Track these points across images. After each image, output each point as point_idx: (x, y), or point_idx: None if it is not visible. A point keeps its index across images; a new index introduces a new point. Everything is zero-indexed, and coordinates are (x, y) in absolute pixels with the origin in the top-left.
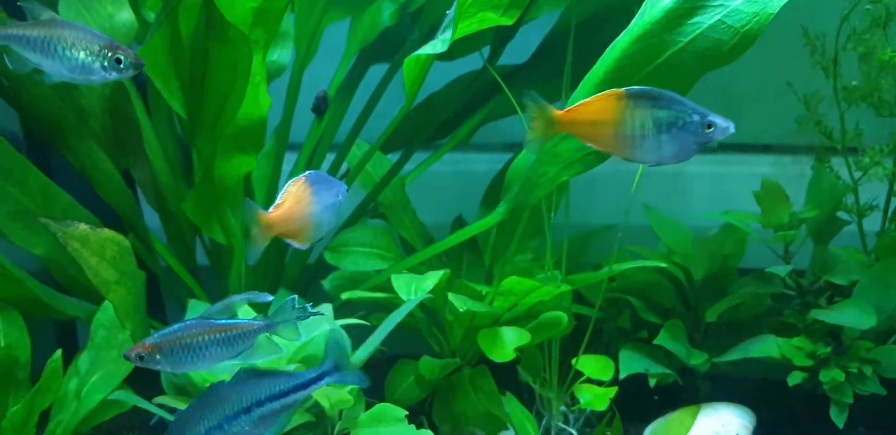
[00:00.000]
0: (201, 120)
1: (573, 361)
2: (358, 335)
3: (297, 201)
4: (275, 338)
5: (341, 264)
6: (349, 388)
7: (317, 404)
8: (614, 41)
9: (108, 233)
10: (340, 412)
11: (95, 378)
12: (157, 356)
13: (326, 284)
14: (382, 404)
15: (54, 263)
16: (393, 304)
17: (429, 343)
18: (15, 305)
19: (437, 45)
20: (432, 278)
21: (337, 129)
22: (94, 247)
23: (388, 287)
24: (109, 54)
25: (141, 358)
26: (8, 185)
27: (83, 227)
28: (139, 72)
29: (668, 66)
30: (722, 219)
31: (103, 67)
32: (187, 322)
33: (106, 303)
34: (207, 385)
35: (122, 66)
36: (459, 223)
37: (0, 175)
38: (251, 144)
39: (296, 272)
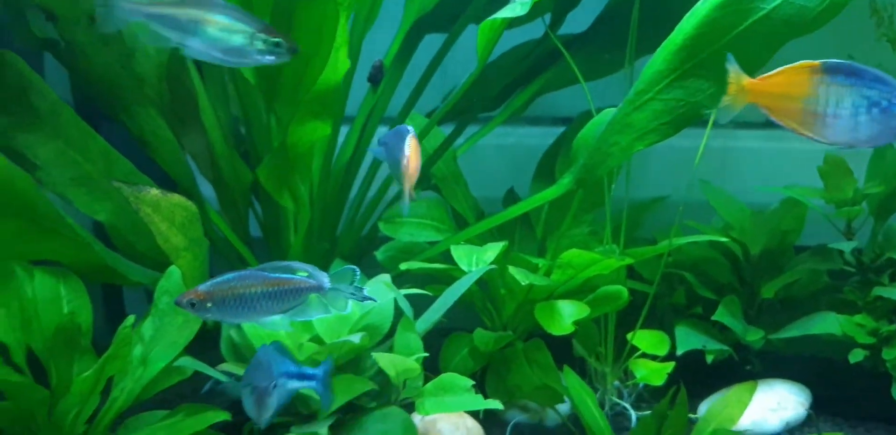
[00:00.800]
0: (281, 84)
1: (628, 335)
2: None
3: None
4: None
5: (396, 235)
6: (416, 356)
7: (380, 373)
8: (694, 7)
9: (177, 198)
10: (404, 382)
11: (159, 345)
12: (209, 304)
13: (380, 255)
14: (448, 374)
15: (115, 229)
16: (448, 275)
17: (481, 317)
18: (80, 270)
19: (517, 9)
20: (493, 250)
21: (389, 100)
22: (165, 212)
23: (441, 259)
24: (266, 38)
25: (192, 305)
26: (70, 151)
27: (155, 191)
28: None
29: (750, 33)
30: (783, 193)
31: (259, 51)
32: (241, 272)
33: (171, 269)
34: None
35: (280, 49)
36: (512, 196)
37: (63, 140)
38: (327, 110)
39: (349, 244)
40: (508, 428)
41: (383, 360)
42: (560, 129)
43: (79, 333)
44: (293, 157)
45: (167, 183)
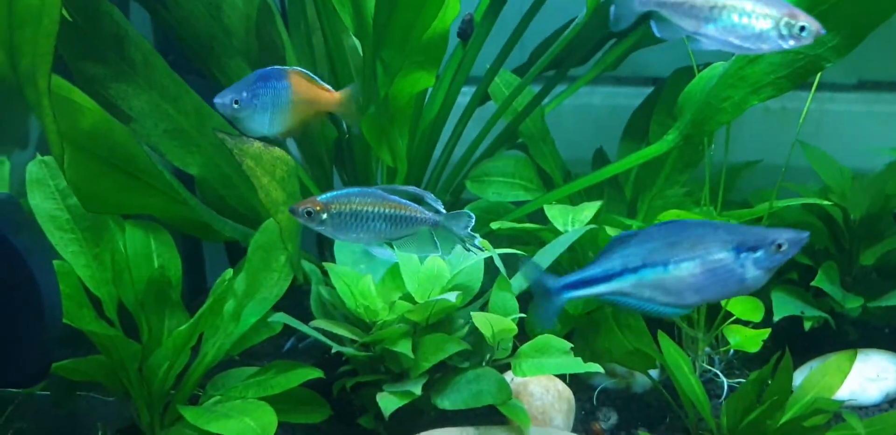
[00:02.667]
0: (391, 31)
1: (722, 301)
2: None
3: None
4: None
5: (484, 194)
6: (513, 316)
7: (472, 333)
8: None
9: (279, 152)
10: (499, 342)
11: (251, 301)
12: (324, 215)
13: None
14: (545, 335)
15: (206, 183)
16: (535, 237)
17: None
18: (174, 225)
19: None
20: (589, 210)
21: (476, 56)
22: (267, 166)
23: (527, 220)
24: (791, 23)
25: (308, 214)
26: (164, 103)
27: (257, 144)
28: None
29: None
30: (889, 155)
31: (780, 36)
32: (363, 189)
33: (267, 224)
34: (360, 309)
35: (803, 33)
36: (601, 156)
37: (156, 92)
38: (430, 60)
39: None
40: (595, 393)
41: (480, 319)
42: (645, 90)
43: (169, 287)
44: (394, 110)
45: None
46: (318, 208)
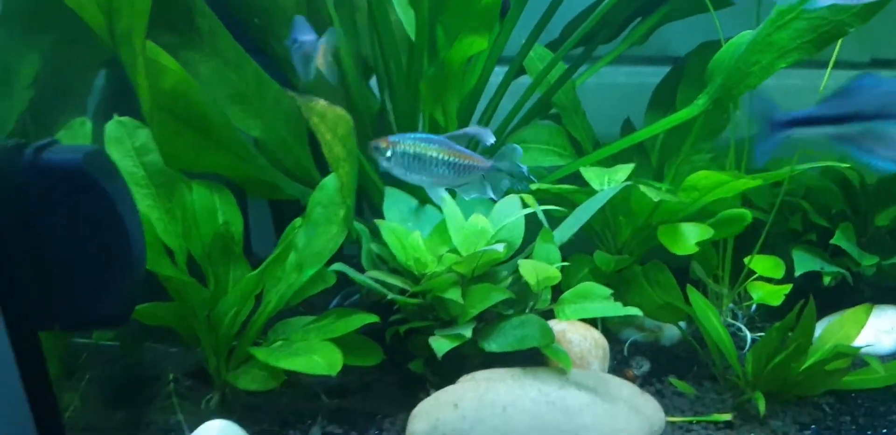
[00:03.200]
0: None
1: (745, 259)
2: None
3: None
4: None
5: (521, 161)
6: (557, 264)
7: (515, 284)
8: None
9: (340, 111)
10: (542, 290)
11: (311, 253)
12: (389, 153)
13: None
14: (586, 283)
15: (265, 145)
16: (567, 199)
17: (597, 242)
18: (241, 183)
19: None
20: (623, 171)
21: (512, 30)
22: (330, 123)
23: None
24: None
25: (377, 148)
26: (228, 71)
27: (322, 102)
28: None
29: None
30: None
31: None
32: (430, 135)
33: (325, 181)
34: (410, 262)
35: None
36: (629, 126)
37: (221, 59)
38: (485, 26)
39: None
40: (626, 345)
41: (526, 267)
42: (666, 68)
43: (232, 242)
44: (448, 73)
45: None
46: (385, 145)
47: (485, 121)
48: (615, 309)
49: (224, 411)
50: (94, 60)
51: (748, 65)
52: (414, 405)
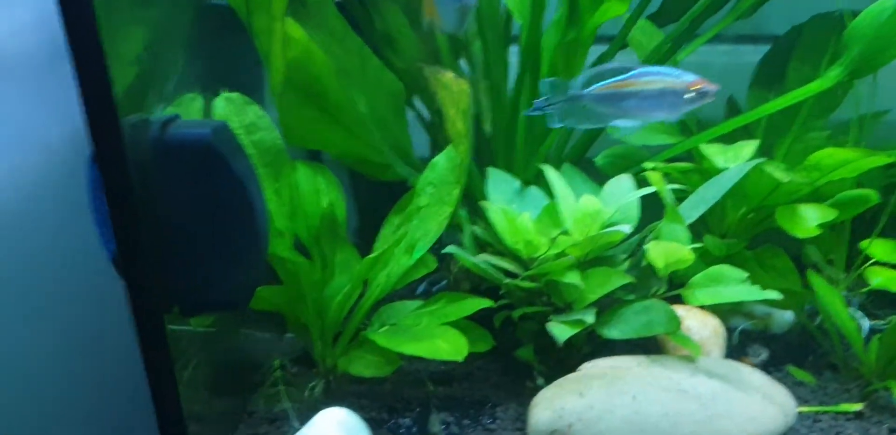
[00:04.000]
0: None
1: (862, 244)
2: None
3: None
4: None
5: (629, 139)
6: (690, 246)
7: (635, 267)
8: None
9: (464, 84)
10: (670, 274)
11: (421, 235)
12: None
13: (600, 160)
14: (718, 266)
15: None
16: (676, 180)
17: (697, 225)
18: (350, 163)
19: None
20: (748, 147)
21: None
22: (455, 96)
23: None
24: None
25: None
26: (333, 43)
27: (450, 74)
28: None
29: None
30: None
31: None
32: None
33: (436, 160)
34: (519, 245)
35: None
36: (733, 104)
37: (327, 32)
38: None
39: (571, 149)
40: (735, 333)
41: (656, 249)
42: (763, 47)
43: (335, 224)
44: (582, 40)
45: None
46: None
47: None
48: (752, 293)
49: (329, 399)
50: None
51: (894, 33)
52: (522, 394)
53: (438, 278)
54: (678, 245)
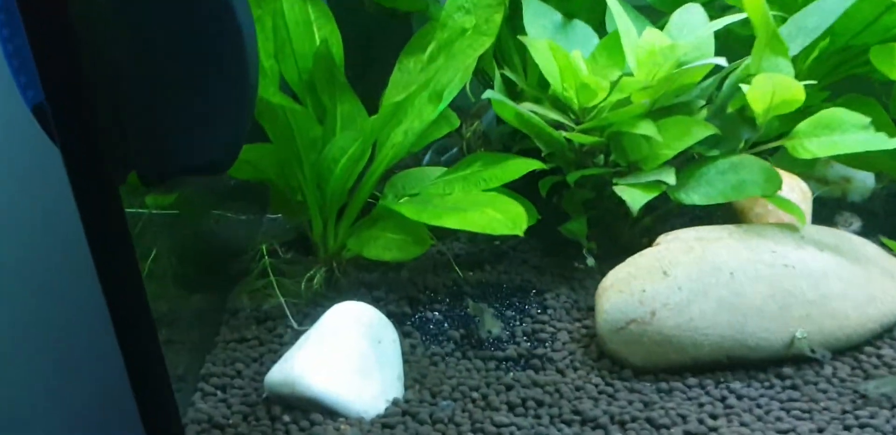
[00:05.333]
0: None
1: None
2: None
3: None
4: None
5: None
6: (804, 83)
7: (717, 116)
8: None
9: None
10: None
11: (448, 78)
12: None
13: None
14: (830, 109)
15: None
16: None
17: None
18: None
19: None
20: None
21: None
22: None
23: None
24: None
25: None
26: None
27: None
28: None
29: None
30: None
31: None
32: None
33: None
34: (570, 91)
35: None
36: None
37: None
38: None
39: None
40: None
41: (760, 86)
42: None
43: (333, 66)
44: None
45: None
46: None
47: None
48: (878, 141)
49: (332, 292)
50: None
51: None
52: (572, 277)
53: (447, 144)
54: (789, 79)
